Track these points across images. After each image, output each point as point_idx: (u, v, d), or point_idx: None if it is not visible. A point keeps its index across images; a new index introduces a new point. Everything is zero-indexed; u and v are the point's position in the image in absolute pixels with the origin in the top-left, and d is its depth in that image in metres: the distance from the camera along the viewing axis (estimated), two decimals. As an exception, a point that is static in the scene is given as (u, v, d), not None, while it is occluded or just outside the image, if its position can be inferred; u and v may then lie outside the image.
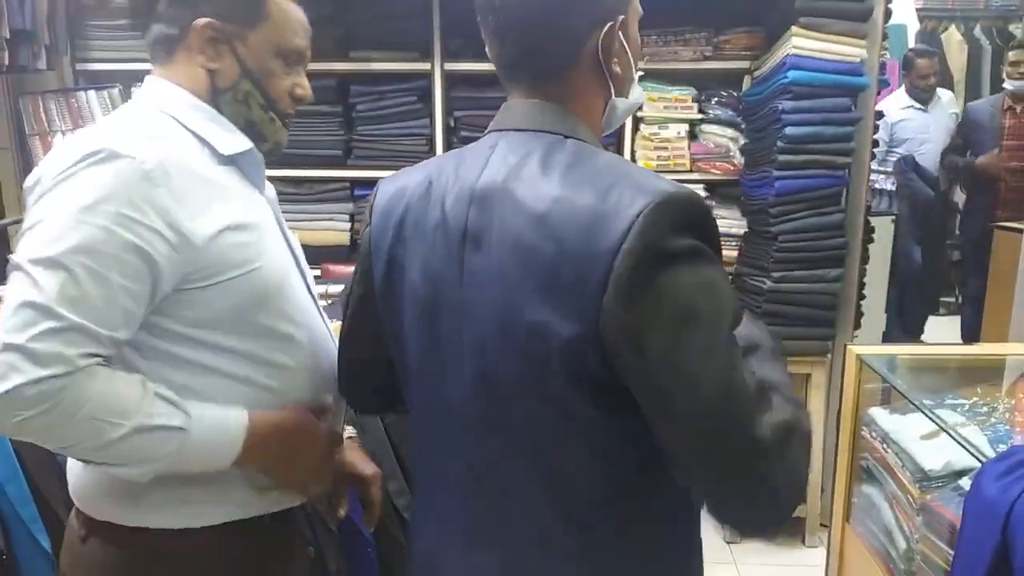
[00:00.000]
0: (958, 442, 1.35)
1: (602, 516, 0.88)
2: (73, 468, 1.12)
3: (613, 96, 0.93)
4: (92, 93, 3.03)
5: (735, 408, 0.77)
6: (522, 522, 0.89)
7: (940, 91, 4.52)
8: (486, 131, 0.95)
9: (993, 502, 1.13)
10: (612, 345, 0.78)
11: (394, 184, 0.99)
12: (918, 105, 4.38)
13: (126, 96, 3.00)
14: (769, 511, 0.82)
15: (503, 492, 0.90)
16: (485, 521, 0.92)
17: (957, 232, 4.69)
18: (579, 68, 0.90)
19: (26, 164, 3.14)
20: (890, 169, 4.16)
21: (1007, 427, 1.50)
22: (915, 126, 4.36)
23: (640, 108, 2.60)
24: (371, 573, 1.73)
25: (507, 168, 0.88)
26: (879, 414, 1.69)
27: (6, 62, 2.64)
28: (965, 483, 1.44)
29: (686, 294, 0.78)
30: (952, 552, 1.36)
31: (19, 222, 3.21)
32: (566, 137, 0.89)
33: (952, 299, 5.13)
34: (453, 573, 0.96)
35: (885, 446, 1.64)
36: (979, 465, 1.41)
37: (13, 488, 1.63)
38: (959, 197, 4.72)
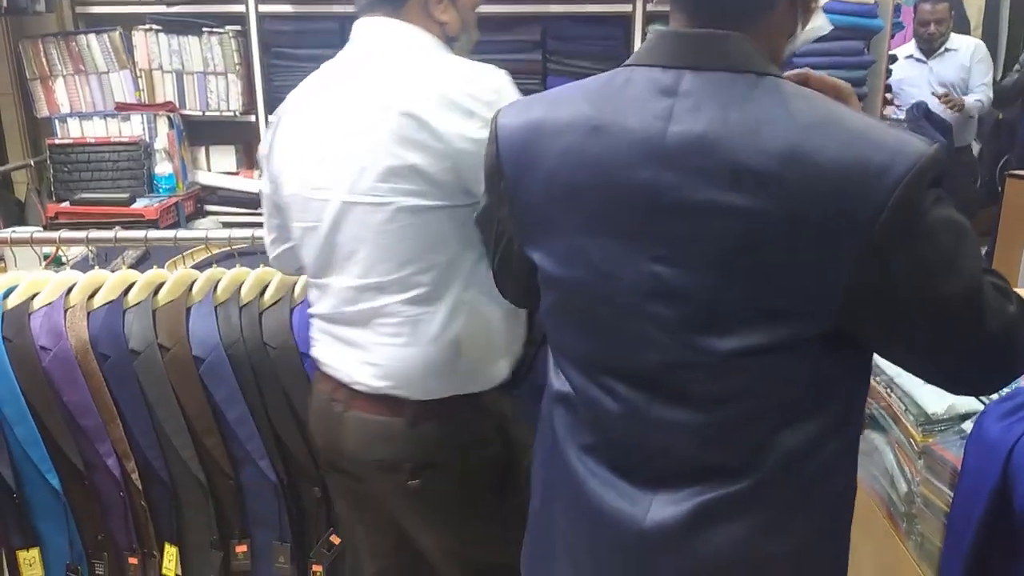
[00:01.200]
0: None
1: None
2: (397, 361, 1.29)
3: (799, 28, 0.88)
4: (92, 37, 2.99)
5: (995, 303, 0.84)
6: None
7: (959, 40, 4.19)
8: (633, 64, 0.88)
9: (994, 443, 1.13)
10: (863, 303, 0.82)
11: (524, 116, 0.95)
12: (918, 55, 4.15)
13: (126, 40, 2.97)
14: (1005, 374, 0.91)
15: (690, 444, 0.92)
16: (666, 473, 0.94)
17: (977, 185, 4.50)
18: None
19: (27, 109, 3.12)
20: (903, 116, 4.07)
21: (1012, 372, 1.49)
22: (910, 79, 4.09)
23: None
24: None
25: (706, 118, 0.80)
26: (884, 360, 1.69)
27: (4, 3, 2.60)
28: (968, 426, 1.43)
29: (945, 230, 0.81)
30: (952, 494, 1.37)
31: (23, 167, 3.22)
32: (759, 75, 0.82)
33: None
34: (621, 526, 0.95)
35: (889, 391, 1.63)
36: (982, 408, 1.41)
37: (22, 429, 1.65)
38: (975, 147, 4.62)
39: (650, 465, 0.94)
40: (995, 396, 1.27)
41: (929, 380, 0.98)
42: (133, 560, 1.74)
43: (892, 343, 0.90)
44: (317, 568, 1.75)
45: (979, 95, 4.17)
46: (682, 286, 0.85)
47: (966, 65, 4.16)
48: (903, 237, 0.79)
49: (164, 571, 1.74)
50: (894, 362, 0.96)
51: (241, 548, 1.73)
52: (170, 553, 1.73)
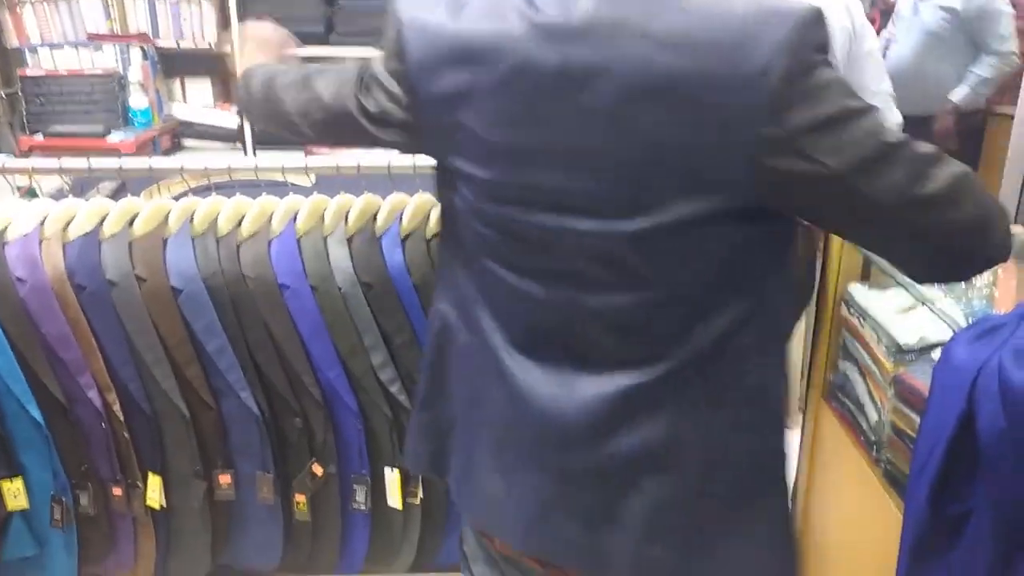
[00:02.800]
0: (934, 312, 1.37)
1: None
2: None
3: None
4: (59, -38, 2.90)
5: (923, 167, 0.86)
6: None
7: None
8: None
9: (961, 368, 1.15)
10: (774, 162, 0.83)
11: (428, 19, 0.95)
12: None
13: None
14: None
15: (619, 328, 0.95)
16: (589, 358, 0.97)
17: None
18: None
19: (-6, 37, 3.03)
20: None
21: (984, 303, 1.52)
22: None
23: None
24: (358, 443, 1.77)
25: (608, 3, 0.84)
26: (858, 290, 1.71)
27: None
28: (936, 356, 1.46)
29: (839, 91, 0.83)
30: (919, 419, 1.40)
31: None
32: None
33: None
34: (541, 407, 0.99)
35: (862, 322, 1.66)
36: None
37: (2, 361, 1.65)
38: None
39: (574, 355, 0.97)
40: (966, 325, 1.29)
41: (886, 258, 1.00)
42: (117, 490, 1.75)
43: (812, 217, 0.93)
44: (300, 498, 1.78)
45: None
46: (602, 165, 0.88)
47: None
48: (797, 97, 0.82)
49: (148, 501, 1.75)
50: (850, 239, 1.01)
51: (224, 478, 1.75)
52: (154, 483, 1.75)
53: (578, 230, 0.91)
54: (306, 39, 2.79)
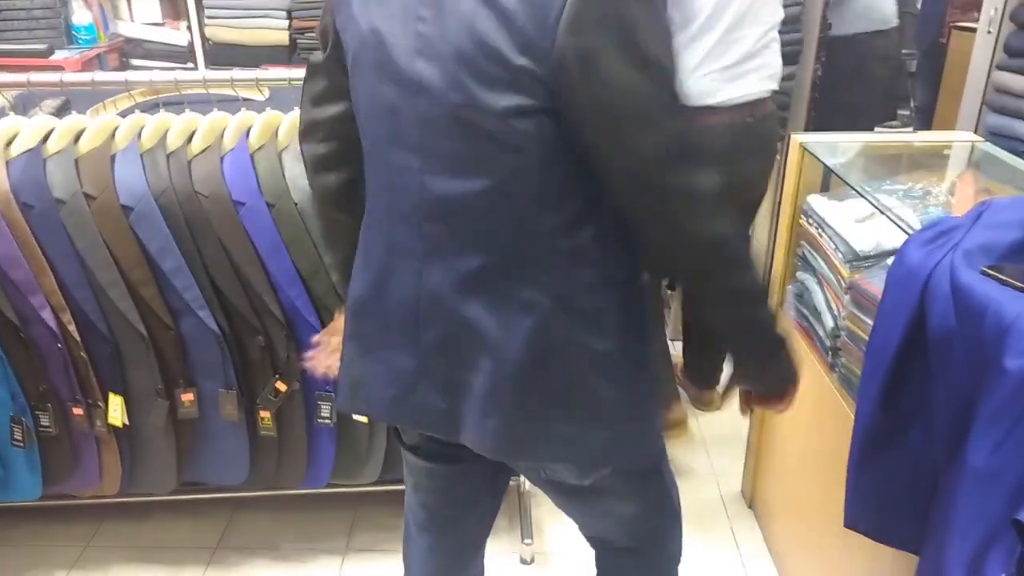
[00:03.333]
0: (890, 219, 1.38)
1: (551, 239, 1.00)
2: None
3: None
4: None
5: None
6: (480, 242, 1.01)
7: None
8: None
9: (914, 269, 1.16)
10: (563, 72, 0.88)
11: None
12: None
13: None
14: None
15: (462, 215, 1.00)
16: (440, 240, 1.03)
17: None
18: None
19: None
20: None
21: (941, 210, 1.53)
22: None
23: None
24: (321, 361, 1.76)
25: None
26: (817, 200, 1.72)
27: None
28: (891, 260, 1.48)
29: (630, 16, 0.88)
30: (871, 323, 1.43)
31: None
32: None
33: (907, 112, 5.11)
34: (403, 290, 1.07)
35: (820, 231, 1.67)
36: (908, 243, 1.46)
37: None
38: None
39: (426, 234, 1.03)
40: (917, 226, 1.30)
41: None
42: (77, 410, 1.74)
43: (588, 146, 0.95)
44: (265, 414, 1.79)
45: None
46: (438, 47, 0.93)
47: None
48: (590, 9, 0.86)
49: (110, 420, 1.75)
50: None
51: (187, 396, 1.75)
52: (115, 402, 1.74)
53: (418, 108, 0.97)
54: None
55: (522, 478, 2.19)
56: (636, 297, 1.10)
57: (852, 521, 1.32)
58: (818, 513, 1.73)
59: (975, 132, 2.23)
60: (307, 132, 1.21)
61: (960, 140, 1.91)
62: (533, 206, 0.99)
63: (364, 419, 1.79)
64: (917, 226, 1.44)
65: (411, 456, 1.31)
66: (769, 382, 1.19)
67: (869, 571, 1.49)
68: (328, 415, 1.79)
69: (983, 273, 1.10)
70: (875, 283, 1.46)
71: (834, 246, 1.60)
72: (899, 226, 1.35)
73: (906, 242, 1.22)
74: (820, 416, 1.69)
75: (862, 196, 1.49)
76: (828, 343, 1.64)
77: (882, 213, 1.41)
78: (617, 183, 0.97)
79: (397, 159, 1.03)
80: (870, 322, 1.45)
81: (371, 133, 1.07)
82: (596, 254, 1.03)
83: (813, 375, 1.70)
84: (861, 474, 1.28)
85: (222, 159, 1.65)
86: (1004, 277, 1.07)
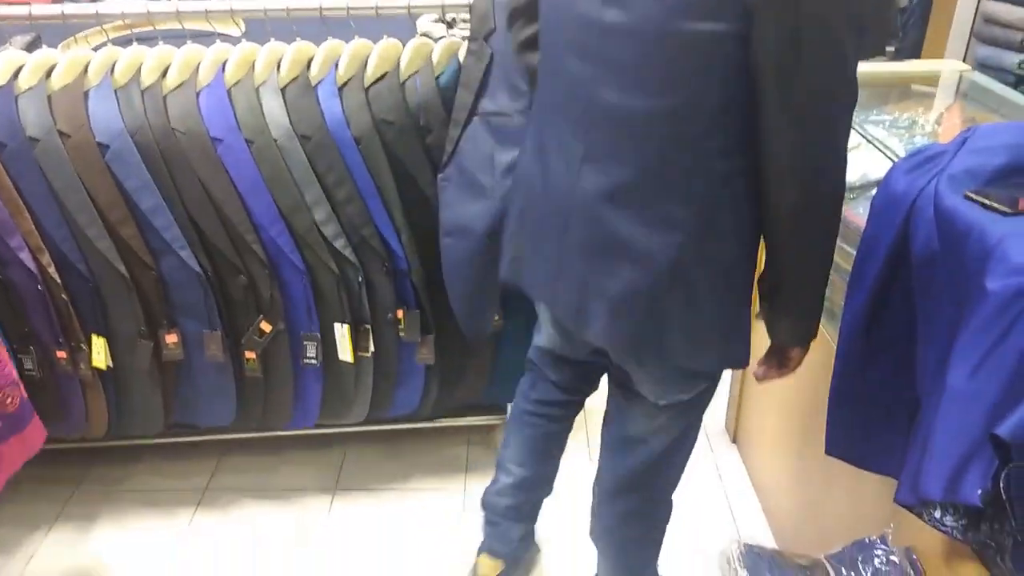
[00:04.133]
0: (876, 147, 1.37)
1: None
2: None
3: None
4: None
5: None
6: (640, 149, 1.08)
7: None
8: None
9: (899, 195, 1.16)
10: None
11: None
12: None
13: None
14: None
15: (629, 127, 1.08)
16: (601, 148, 1.11)
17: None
18: None
19: None
20: None
21: (928, 139, 1.52)
22: None
23: None
24: (306, 301, 1.76)
25: None
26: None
27: None
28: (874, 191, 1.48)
29: None
30: (852, 251, 1.43)
31: None
32: None
33: (894, 48, 5.04)
34: (559, 187, 1.17)
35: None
36: (893, 174, 1.45)
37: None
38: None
39: (590, 140, 1.12)
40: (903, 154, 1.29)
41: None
42: (61, 353, 1.73)
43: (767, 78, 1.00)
44: (250, 355, 1.78)
45: None
46: None
47: None
48: None
49: (94, 362, 1.74)
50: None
51: (171, 338, 1.74)
52: (98, 344, 1.73)
53: (607, 20, 1.04)
54: None
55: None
56: (757, 220, 1.15)
57: (832, 448, 1.34)
58: (800, 445, 1.76)
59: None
60: (511, 17, 1.37)
61: (948, 70, 1.89)
62: (703, 128, 1.05)
63: (350, 359, 1.79)
64: (903, 154, 1.43)
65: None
66: (801, 338, 1.26)
67: (850, 501, 1.52)
68: (314, 356, 1.79)
69: (967, 197, 1.10)
70: (859, 214, 1.45)
71: (820, 178, 1.58)
72: (884, 154, 1.33)
73: (891, 169, 1.21)
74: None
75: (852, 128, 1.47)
76: (812, 276, 1.64)
77: (868, 142, 1.40)
78: (778, 112, 1.02)
79: (573, 66, 1.11)
80: (850, 250, 1.44)
81: (550, 35, 1.17)
82: (745, 177, 1.09)
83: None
84: (841, 402, 1.30)
85: (198, 95, 1.61)
86: (988, 201, 1.07)
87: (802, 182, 1.07)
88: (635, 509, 1.50)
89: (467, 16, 1.73)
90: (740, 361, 1.26)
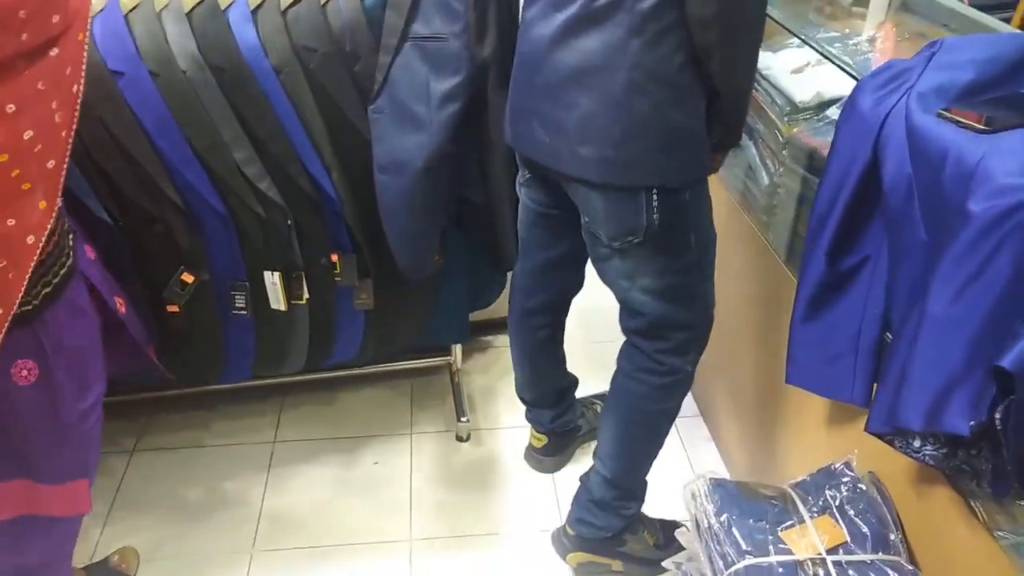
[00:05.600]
0: (839, 66, 1.31)
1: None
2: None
3: None
4: None
5: None
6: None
7: None
8: None
9: (867, 116, 1.11)
10: None
11: None
12: None
13: None
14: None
15: None
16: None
17: None
18: None
19: None
20: None
21: (879, 56, 1.48)
22: None
23: None
24: (230, 248, 1.63)
25: None
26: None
27: None
28: (833, 112, 1.43)
29: None
30: (815, 179, 1.39)
31: None
32: None
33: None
34: (534, 38, 1.31)
35: (756, 86, 1.59)
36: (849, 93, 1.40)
37: None
38: None
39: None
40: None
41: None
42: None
43: None
44: (173, 308, 1.65)
45: None
46: None
47: None
48: None
49: None
50: None
51: (82, 295, 1.58)
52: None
53: None
54: None
55: (455, 356, 2.14)
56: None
57: (795, 378, 1.31)
58: (755, 377, 1.74)
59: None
60: None
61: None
62: None
63: (283, 307, 1.67)
64: (863, 72, 1.38)
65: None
66: (735, 140, 1.42)
67: (805, 434, 1.52)
68: (243, 306, 1.67)
69: (940, 116, 1.06)
70: (816, 137, 1.41)
71: (770, 99, 1.53)
72: (847, 72, 1.28)
73: (856, 87, 1.15)
74: (753, 272, 1.67)
75: (806, 43, 1.41)
76: (763, 201, 1.60)
77: (829, 60, 1.34)
78: None
79: None
80: (812, 177, 1.40)
81: None
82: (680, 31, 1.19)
83: (750, 236, 1.67)
84: (804, 329, 1.27)
85: (91, 20, 1.42)
86: (961, 119, 1.03)
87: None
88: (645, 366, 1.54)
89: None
90: (689, 173, 1.34)
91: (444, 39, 1.47)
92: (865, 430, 1.10)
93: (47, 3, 0.99)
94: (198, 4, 1.46)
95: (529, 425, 1.94)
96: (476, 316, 2.05)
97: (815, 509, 1.23)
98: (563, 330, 1.83)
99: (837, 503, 1.21)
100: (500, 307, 1.95)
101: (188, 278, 1.61)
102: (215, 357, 1.76)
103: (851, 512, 1.20)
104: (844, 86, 1.37)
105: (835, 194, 1.17)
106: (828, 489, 1.24)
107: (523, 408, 1.92)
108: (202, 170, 1.52)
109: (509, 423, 2.06)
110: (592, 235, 1.42)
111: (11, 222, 1.04)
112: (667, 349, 1.51)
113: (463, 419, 2.02)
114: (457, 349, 2.13)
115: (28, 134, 1.01)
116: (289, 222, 1.60)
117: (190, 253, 1.60)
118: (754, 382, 1.75)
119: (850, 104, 1.15)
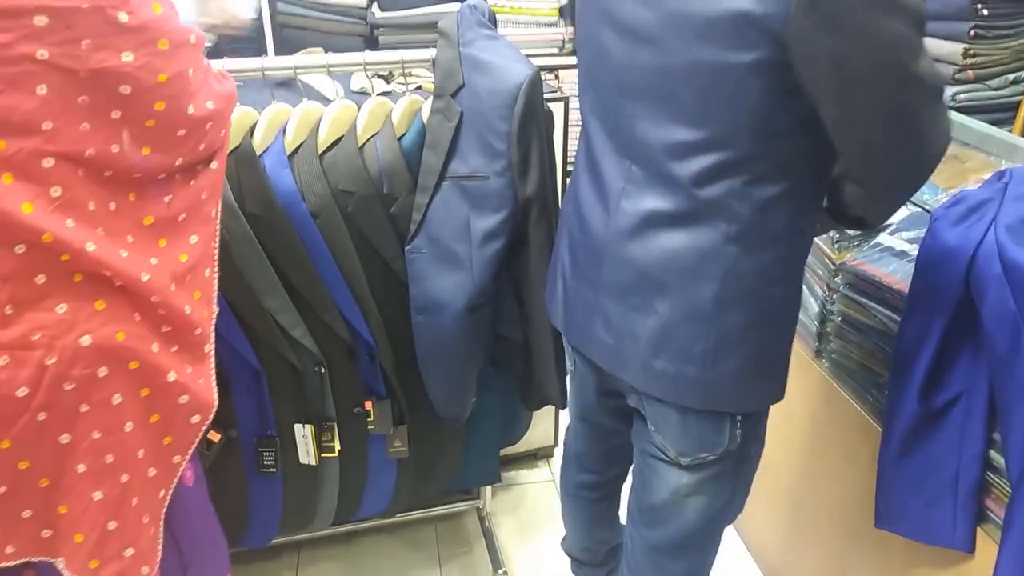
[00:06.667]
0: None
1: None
2: None
3: None
4: None
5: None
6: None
7: None
8: None
9: (953, 250, 1.08)
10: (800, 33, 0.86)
11: None
12: None
13: None
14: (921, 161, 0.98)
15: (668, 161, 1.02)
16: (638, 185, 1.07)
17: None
18: None
19: None
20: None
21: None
22: None
23: None
24: (259, 401, 1.53)
25: None
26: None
27: None
28: (883, 239, 1.42)
29: None
30: (876, 306, 1.36)
31: None
32: None
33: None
34: (596, 225, 1.14)
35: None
36: (892, 223, 1.39)
37: None
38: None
39: (631, 175, 1.08)
40: (934, 204, 1.23)
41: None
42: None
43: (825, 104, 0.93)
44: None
45: None
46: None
47: None
48: None
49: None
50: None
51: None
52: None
53: (640, 57, 1.01)
54: None
55: (484, 500, 2.02)
56: (804, 248, 1.10)
57: (887, 521, 1.24)
58: (814, 513, 1.66)
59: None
60: None
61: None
62: (742, 155, 0.97)
63: (314, 462, 1.56)
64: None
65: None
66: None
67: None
68: (272, 463, 1.55)
69: (1035, 249, 1.03)
70: (871, 264, 1.38)
71: (816, 226, 1.51)
72: (919, 205, 1.27)
73: (934, 221, 1.14)
74: (809, 402, 1.61)
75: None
76: (815, 328, 1.56)
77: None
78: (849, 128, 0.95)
79: (611, 100, 1.08)
80: (874, 305, 1.37)
81: (587, 68, 1.14)
82: (787, 203, 1.01)
83: (797, 362, 1.62)
84: (898, 470, 1.20)
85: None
86: (1060, 252, 1.01)
87: (898, 167, 1.00)
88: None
89: (405, 70, 1.58)
90: (776, 396, 1.17)
91: (484, 177, 1.44)
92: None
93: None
94: (233, 151, 1.42)
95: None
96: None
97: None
98: (620, 490, 1.60)
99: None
100: (523, 440, 1.85)
101: (214, 437, 1.50)
102: (239, 520, 1.62)
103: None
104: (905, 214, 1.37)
105: (924, 330, 1.13)
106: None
107: (558, 550, 1.80)
108: (233, 320, 1.44)
109: (551, 571, 1.93)
110: (653, 444, 1.23)
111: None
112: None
113: (500, 571, 1.88)
114: (487, 491, 2.02)
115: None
116: (323, 370, 1.51)
117: (217, 409, 1.49)
118: (814, 522, 1.66)
119: (931, 237, 1.12)
